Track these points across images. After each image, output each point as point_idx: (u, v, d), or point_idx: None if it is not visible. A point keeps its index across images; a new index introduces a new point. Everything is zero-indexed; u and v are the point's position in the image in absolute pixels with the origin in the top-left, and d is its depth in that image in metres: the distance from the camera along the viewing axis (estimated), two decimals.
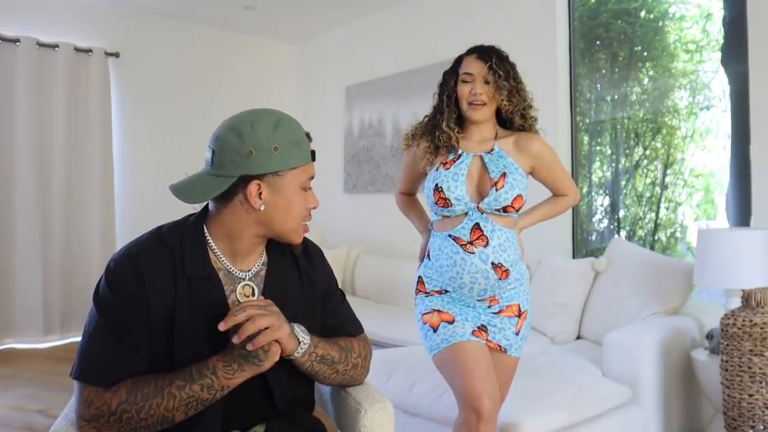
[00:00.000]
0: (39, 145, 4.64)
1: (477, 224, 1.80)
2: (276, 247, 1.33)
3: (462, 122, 1.91)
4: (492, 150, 1.86)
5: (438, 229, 1.89)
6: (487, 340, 1.83)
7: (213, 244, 1.25)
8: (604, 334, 2.62)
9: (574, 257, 3.89)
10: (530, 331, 1.95)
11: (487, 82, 1.83)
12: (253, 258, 1.29)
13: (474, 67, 1.84)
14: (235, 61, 5.72)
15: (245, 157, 1.18)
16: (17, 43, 4.55)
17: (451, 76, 1.91)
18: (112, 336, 1.16)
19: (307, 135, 1.27)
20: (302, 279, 1.35)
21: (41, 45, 4.66)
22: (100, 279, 1.22)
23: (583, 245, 4.16)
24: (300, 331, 1.23)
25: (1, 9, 4.56)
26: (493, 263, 1.79)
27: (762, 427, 2.20)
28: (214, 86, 5.54)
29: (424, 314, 1.87)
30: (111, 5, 4.99)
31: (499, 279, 1.80)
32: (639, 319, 2.77)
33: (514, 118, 1.89)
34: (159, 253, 1.22)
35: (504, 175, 1.81)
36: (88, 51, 4.89)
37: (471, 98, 1.84)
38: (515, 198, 1.80)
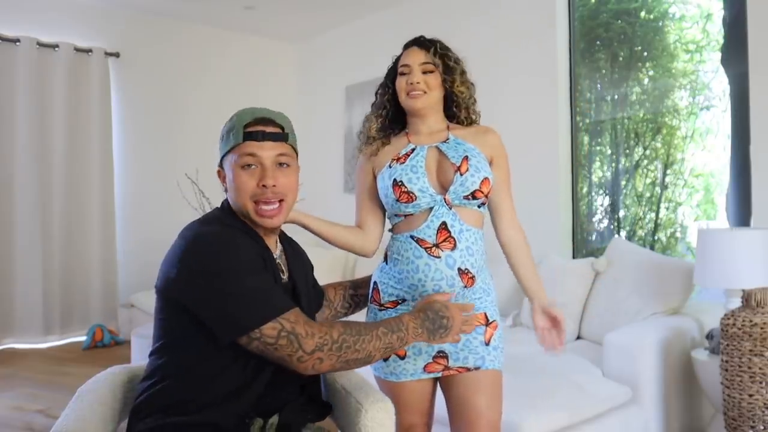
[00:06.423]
0: (39, 145, 4.64)
1: (444, 223, 1.60)
2: (284, 238, 1.53)
3: (403, 121, 1.76)
4: (447, 139, 1.68)
5: (398, 230, 1.68)
6: (446, 367, 1.65)
7: None
8: (604, 334, 2.62)
9: (574, 257, 3.89)
10: (503, 351, 1.71)
11: (426, 72, 1.67)
12: (274, 242, 1.45)
13: (411, 57, 1.69)
14: (235, 61, 5.72)
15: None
16: (17, 43, 4.56)
17: (390, 73, 1.76)
18: (263, 278, 1.26)
19: (260, 119, 1.36)
20: (306, 263, 1.58)
21: (41, 45, 4.66)
22: (197, 251, 1.24)
23: (583, 245, 4.16)
24: None
25: (1, 9, 4.56)
26: (459, 269, 1.59)
27: (762, 427, 2.20)
28: (214, 86, 5.54)
29: None
30: (111, 5, 4.99)
31: (465, 287, 1.62)
32: (639, 319, 2.77)
33: (462, 109, 1.74)
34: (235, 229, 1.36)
35: (466, 158, 1.62)
36: (88, 51, 4.89)
37: (408, 88, 1.67)
38: (483, 181, 1.61)
